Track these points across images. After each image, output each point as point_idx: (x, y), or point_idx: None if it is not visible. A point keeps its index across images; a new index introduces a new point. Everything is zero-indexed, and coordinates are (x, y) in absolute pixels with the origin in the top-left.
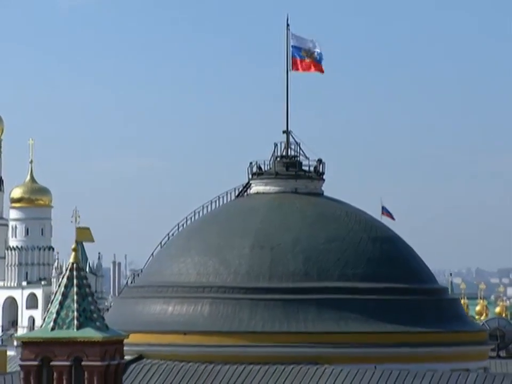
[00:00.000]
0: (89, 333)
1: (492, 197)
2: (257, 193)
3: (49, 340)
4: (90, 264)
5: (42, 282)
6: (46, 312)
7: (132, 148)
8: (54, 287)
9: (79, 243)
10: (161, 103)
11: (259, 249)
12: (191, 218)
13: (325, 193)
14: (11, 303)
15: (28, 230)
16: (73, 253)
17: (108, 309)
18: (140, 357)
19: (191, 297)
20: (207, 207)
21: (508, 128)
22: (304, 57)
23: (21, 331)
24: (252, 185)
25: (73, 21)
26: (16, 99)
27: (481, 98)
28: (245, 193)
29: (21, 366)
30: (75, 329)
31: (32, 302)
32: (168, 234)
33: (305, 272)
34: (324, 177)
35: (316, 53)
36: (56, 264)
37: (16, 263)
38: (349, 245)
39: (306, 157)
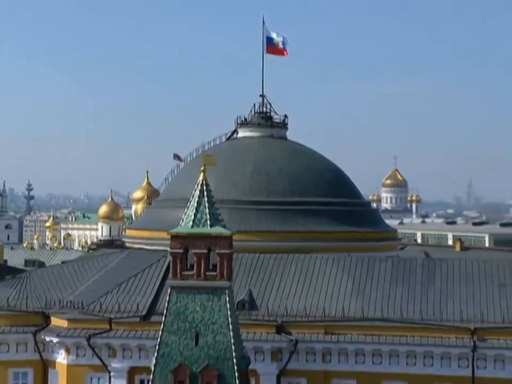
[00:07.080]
0: (220, 230)
1: None
2: (245, 137)
3: (191, 235)
4: None
5: None
6: (184, 215)
7: None
8: None
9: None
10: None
11: (257, 175)
12: (192, 154)
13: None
14: None
15: None
16: (202, 173)
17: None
18: None
19: None
20: (204, 146)
21: None
22: (274, 45)
23: None
24: (239, 131)
25: None
26: None
27: None
28: (232, 137)
29: (170, 253)
30: (208, 227)
31: None
32: (177, 165)
33: (291, 190)
34: (288, 127)
35: (282, 42)
36: None
37: None
38: (317, 173)
39: (276, 113)
